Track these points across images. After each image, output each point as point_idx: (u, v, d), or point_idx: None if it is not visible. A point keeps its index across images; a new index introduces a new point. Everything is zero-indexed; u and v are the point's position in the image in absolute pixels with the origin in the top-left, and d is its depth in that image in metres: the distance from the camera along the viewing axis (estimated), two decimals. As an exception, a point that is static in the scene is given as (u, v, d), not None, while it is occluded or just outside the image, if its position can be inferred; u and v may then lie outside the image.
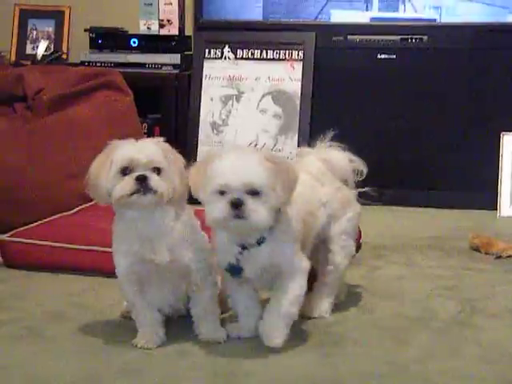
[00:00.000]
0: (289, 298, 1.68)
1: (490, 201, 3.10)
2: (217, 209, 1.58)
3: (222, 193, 1.59)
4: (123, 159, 1.64)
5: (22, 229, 2.41)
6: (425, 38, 3.22)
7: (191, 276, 1.72)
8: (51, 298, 2.05)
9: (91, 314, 1.93)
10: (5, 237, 2.35)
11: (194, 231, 1.73)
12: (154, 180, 1.63)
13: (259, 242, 1.66)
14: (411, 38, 3.23)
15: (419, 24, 3.26)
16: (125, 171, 1.64)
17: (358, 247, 2.49)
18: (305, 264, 1.72)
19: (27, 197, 2.68)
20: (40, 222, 2.50)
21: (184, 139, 3.34)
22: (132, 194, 1.62)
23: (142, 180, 1.62)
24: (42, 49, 3.58)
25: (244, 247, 1.66)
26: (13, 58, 3.70)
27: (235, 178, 1.57)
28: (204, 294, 1.74)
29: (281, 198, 1.61)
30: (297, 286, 1.69)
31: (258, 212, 1.57)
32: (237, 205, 1.56)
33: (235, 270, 1.68)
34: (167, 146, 1.72)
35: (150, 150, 1.66)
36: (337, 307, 1.97)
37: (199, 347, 1.72)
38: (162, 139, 1.73)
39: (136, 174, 1.63)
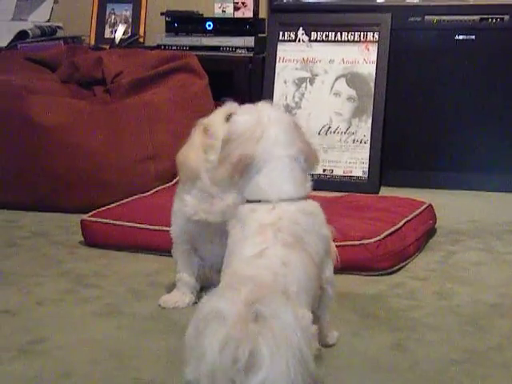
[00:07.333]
0: None
1: None
2: None
3: None
4: None
5: (101, 209, 2.48)
6: (506, 17, 3.11)
7: None
8: (130, 277, 2.10)
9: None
10: (85, 217, 2.42)
11: None
12: None
13: None
14: (491, 18, 3.13)
15: (500, 2, 3.16)
16: None
17: (433, 231, 2.46)
18: None
19: (106, 178, 2.75)
20: (118, 203, 2.57)
21: (257, 122, 3.35)
22: None
23: None
24: (120, 32, 3.65)
25: None
26: (92, 41, 3.79)
27: None
28: None
29: None
30: None
31: None
32: None
33: None
34: None
35: None
36: (412, 293, 1.95)
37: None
38: None
39: None
